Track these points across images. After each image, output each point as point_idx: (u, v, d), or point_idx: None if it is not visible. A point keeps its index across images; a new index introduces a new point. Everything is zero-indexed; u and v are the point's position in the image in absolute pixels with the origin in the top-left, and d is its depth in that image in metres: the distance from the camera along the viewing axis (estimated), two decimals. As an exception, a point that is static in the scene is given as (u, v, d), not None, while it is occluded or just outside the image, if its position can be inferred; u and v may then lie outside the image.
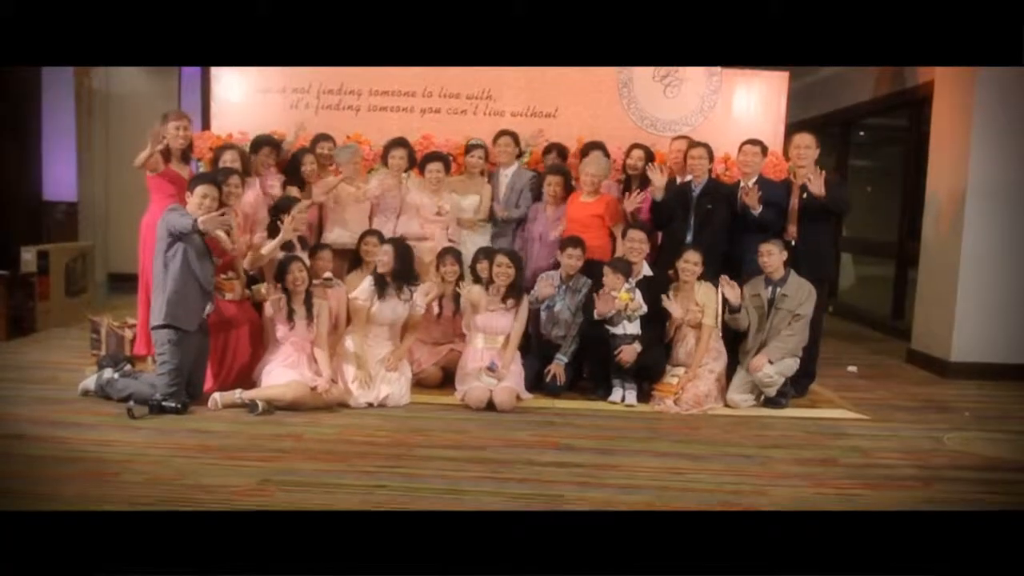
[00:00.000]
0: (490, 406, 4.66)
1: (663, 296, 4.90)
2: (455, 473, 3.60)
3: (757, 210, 5.01)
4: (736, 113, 6.11)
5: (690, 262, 4.93)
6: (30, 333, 6.30)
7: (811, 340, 5.07)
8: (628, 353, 4.80)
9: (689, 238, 5.18)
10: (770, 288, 4.96)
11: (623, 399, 4.88)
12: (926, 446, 4.33)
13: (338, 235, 5.41)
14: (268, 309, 4.68)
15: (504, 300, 4.89)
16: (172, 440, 3.89)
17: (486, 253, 5.08)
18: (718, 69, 6.03)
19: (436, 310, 5.14)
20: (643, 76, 6.04)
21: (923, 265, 6.60)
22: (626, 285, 4.85)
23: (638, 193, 5.22)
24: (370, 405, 4.62)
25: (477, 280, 5.06)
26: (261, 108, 5.98)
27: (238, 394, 4.45)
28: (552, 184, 5.39)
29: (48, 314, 6.56)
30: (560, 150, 5.77)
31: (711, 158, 5.31)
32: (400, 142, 5.50)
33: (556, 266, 5.15)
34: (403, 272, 4.80)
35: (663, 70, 6.03)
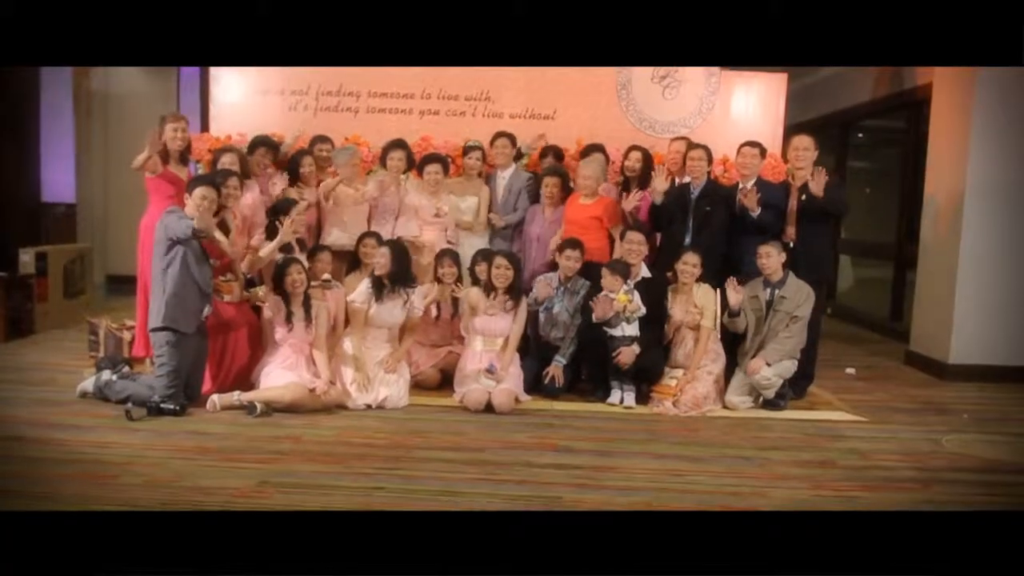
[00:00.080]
0: (489, 408, 4.65)
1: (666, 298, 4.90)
2: (453, 475, 3.60)
3: (756, 212, 5.01)
4: (735, 115, 6.12)
5: (689, 264, 4.93)
6: (28, 335, 6.29)
7: (809, 342, 5.07)
8: (627, 355, 4.80)
9: (688, 240, 5.18)
10: (768, 290, 4.95)
11: (622, 401, 4.88)
12: (925, 448, 4.32)
13: (337, 237, 5.40)
14: (266, 311, 4.68)
15: (503, 302, 4.88)
16: (170, 442, 3.88)
17: (485, 255, 5.09)
18: (717, 70, 6.03)
19: (434, 312, 5.14)
20: (642, 78, 6.05)
21: (921, 267, 6.60)
22: (624, 287, 4.85)
23: (637, 192, 5.22)
24: (368, 407, 4.61)
25: (476, 282, 5.06)
26: (260, 110, 5.98)
27: (236, 396, 4.44)
28: (549, 186, 5.39)
29: (46, 316, 6.55)
30: (556, 152, 5.77)
31: (710, 160, 5.30)
32: (398, 144, 5.50)
33: (554, 267, 5.15)
34: (400, 274, 4.80)
35: (662, 71, 6.03)
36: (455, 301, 5.11)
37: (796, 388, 5.13)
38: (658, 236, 5.40)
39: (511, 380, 4.82)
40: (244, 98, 6.01)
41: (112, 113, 8.96)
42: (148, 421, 4.19)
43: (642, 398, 4.93)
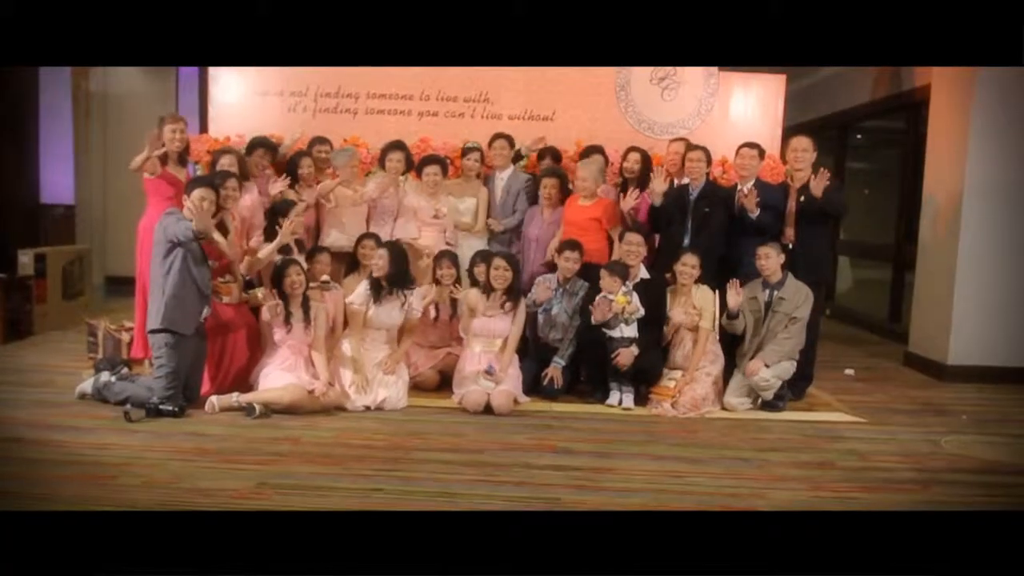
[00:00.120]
0: (487, 409, 4.64)
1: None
2: (452, 476, 3.60)
3: (754, 213, 5.01)
4: (733, 116, 6.12)
5: (687, 265, 4.93)
6: (27, 336, 6.28)
7: (808, 343, 5.07)
8: (625, 356, 4.80)
9: (687, 241, 5.17)
10: (767, 291, 4.95)
11: (620, 402, 4.88)
12: (924, 449, 4.32)
13: (335, 238, 5.39)
14: (265, 313, 4.67)
15: (502, 304, 4.88)
16: (169, 443, 3.88)
17: (483, 256, 5.09)
18: (715, 71, 6.03)
19: (433, 313, 5.14)
20: (641, 79, 6.04)
21: (920, 268, 6.60)
22: (623, 288, 4.84)
23: (635, 191, 5.22)
24: (367, 408, 4.61)
25: (474, 283, 5.05)
26: (259, 111, 5.97)
27: (235, 397, 4.43)
28: (548, 187, 5.38)
29: (45, 317, 6.54)
30: (554, 153, 5.77)
31: (709, 161, 5.30)
32: (397, 145, 5.49)
33: (553, 269, 5.15)
34: (398, 276, 4.79)
35: (661, 72, 6.02)
36: (454, 302, 5.11)
37: (795, 389, 5.13)
38: (657, 237, 5.40)
39: (510, 381, 4.82)
40: (243, 99, 6.00)
41: (111, 114, 8.96)
42: (147, 422, 4.19)
43: (641, 399, 4.93)
